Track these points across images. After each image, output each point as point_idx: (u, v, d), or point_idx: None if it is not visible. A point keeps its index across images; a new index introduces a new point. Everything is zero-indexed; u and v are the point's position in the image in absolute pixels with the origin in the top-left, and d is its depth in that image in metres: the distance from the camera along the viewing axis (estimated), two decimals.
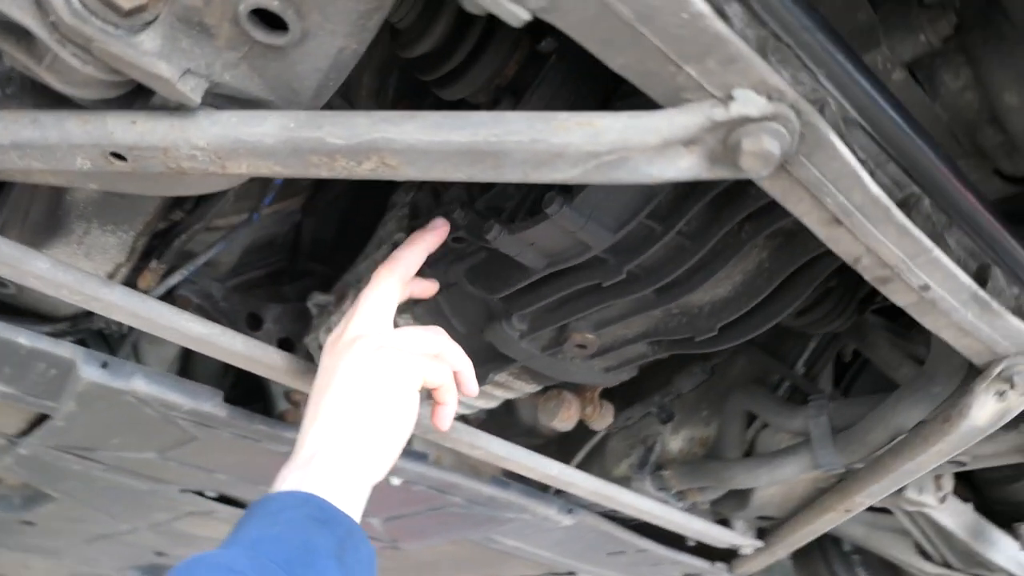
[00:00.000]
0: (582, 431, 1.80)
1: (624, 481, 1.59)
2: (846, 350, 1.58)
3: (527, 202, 0.98)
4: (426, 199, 1.34)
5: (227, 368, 1.67)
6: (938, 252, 0.72)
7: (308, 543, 0.67)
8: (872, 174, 0.66)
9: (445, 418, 0.91)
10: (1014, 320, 0.82)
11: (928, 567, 1.61)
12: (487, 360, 1.22)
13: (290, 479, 0.75)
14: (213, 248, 1.17)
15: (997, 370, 0.90)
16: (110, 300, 0.93)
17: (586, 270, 0.98)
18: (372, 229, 1.77)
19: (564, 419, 1.41)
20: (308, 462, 0.76)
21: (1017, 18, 0.64)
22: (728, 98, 0.59)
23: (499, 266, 1.06)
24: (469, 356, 1.24)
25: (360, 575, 0.70)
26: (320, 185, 1.59)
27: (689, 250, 0.94)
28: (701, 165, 0.64)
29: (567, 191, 0.88)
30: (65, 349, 1.10)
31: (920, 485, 1.30)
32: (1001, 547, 1.47)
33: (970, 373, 1.04)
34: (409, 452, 1.42)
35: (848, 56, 0.59)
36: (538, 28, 0.90)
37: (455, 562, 2.19)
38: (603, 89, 0.89)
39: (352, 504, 0.76)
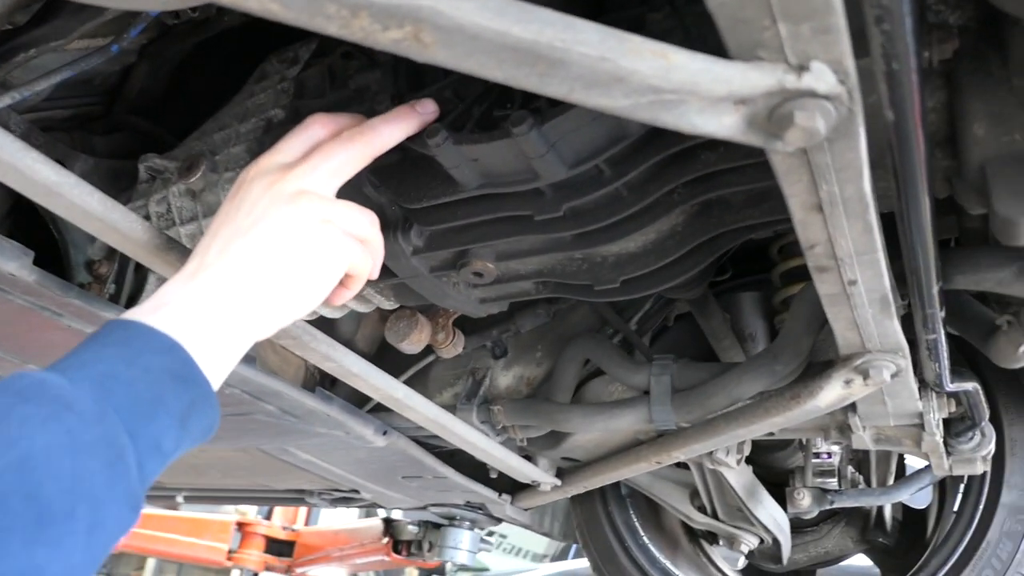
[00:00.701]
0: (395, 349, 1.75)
1: (447, 410, 1.57)
2: (672, 315, 1.68)
3: (473, 113, 0.90)
4: (316, 79, 1.19)
5: (8, 219, 1.39)
6: (882, 254, 0.77)
7: (158, 399, 0.62)
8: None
9: (339, 299, 0.84)
10: (898, 326, 0.91)
11: (699, 516, 1.81)
12: None
13: (164, 312, 0.68)
14: (58, 73, 0.93)
15: (857, 362, 1.00)
16: None
17: (518, 199, 0.93)
18: (215, 93, 1.55)
19: (414, 342, 1.36)
20: (191, 300, 0.70)
21: (1015, 60, 0.70)
22: (802, 68, 0.57)
23: (418, 174, 0.97)
24: None
25: (196, 441, 0.67)
26: (167, 29, 1.35)
27: (625, 201, 0.93)
28: (738, 126, 0.62)
29: (536, 112, 0.82)
30: None
31: (727, 448, 1.44)
32: (766, 505, 1.69)
33: (821, 362, 1.16)
34: None
35: (916, 57, 0.60)
36: None
37: (229, 467, 2.05)
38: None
39: (222, 364, 0.71)
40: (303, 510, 4.57)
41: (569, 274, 1.07)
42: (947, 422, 1.31)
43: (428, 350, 1.68)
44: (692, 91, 0.57)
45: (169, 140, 1.47)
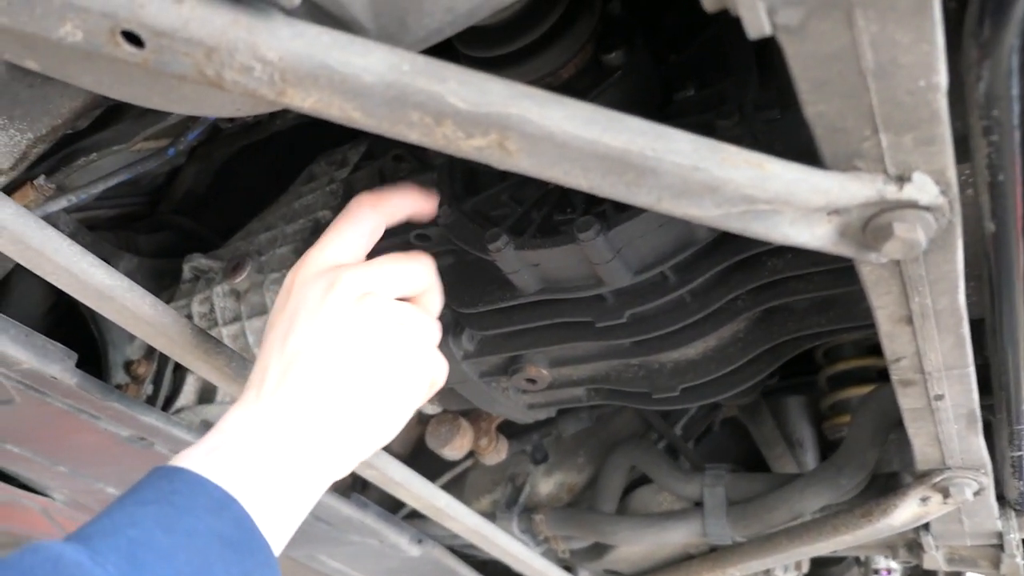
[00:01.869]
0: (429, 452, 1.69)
1: (485, 518, 1.50)
2: (717, 420, 1.62)
3: (533, 218, 0.89)
4: (366, 181, 1.18)
5: (49, 315, 1.38)
6: (972, 369, 0.73)
7: (204, 570, 0.51)
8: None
9: None
10: (982, 442, 0.86)
11: None
12: None
13: (217, 456, 0.57)
14: (115, 176, 0.93)
15: (936, 479, 0.94)
16: None
17: (579, 305, 0.90)
18: (257, 194, 1.56)
19: (456, 448, 1.31)
20: (249, 441, 0.58)
21: None
22: (902, 179, 0.55)
23: (473, 278, 0.95)
24: None
25: None
26: (217, 132, 1.37)
27: (688, 308, 0.90)
28: (830, 237, 0.59)
29: (602, 217, 0.80)
30: None
31: (786, 565, 1.35)
32: None
33: (884, 474, 1.09)
34: None
35: (1022, 168, 0.58)
36: (605, 38, 0.82)
37: None
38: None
39: (288, 520, 0.59)
40: None
41: (625, 381, 1.02)
42: None
43: (466, 455, 1.63)
44: (787, 201, 0.55)
45: (212, 239, 1.48)
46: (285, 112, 1.19)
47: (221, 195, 1.56)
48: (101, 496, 1.49)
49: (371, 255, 0.72)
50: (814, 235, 0.59)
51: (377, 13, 0.54)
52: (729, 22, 0.87)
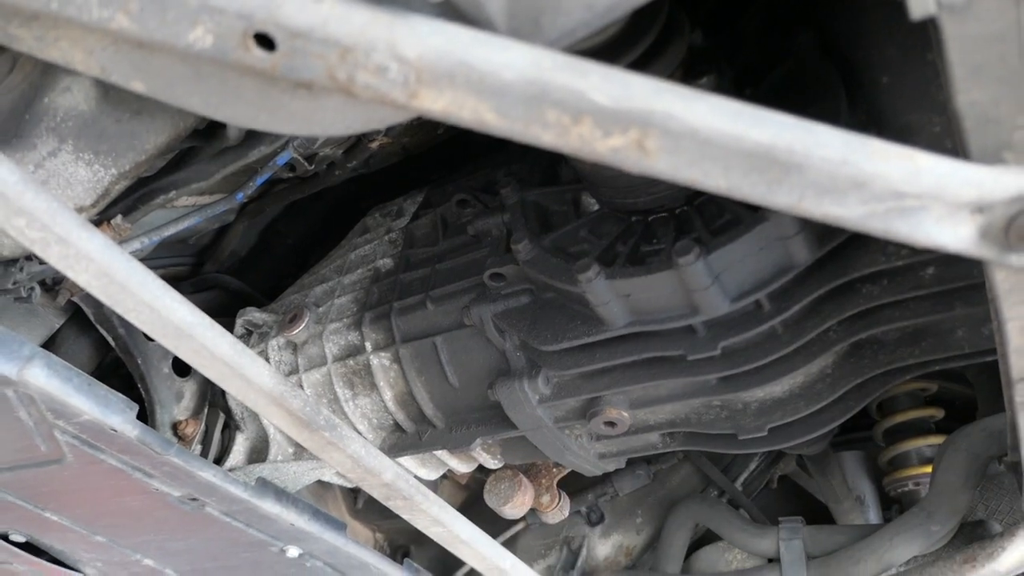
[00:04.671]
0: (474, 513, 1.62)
1: None
2: (776, 475, 1.56)
3: (619, 250, 0.86)
4: (426, 228, 1.17)
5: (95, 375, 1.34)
6: None
7: None
8: None
9: None
10: None
11: None
12: (478, 421, 1.05)
13: None
14: (186, 221, 0.92)
15: None
16: (83, 249, 0.67)
17: (668, 338, 0.87)
18: (297, 254, 1.55)
19: (517, 505, 1.25)
20: None
21: None
22: None
23: (553, 315, 0.92)
24: (454, 414, 1.07)
25: None
26: (270, 187, 1.36)
27: (781, 339, 0.87)
28: (972, 237, 0.57)
29: (699, 242, 0.77)
30: None
31: None
32: None
33: (971, 523, 1.04)
34: (329, 519, 1.17)
35: None
36: (692, 66, 0.82)
37: None
38: None
39: None
40: None
41: (706, 423, 0.98)
42: None
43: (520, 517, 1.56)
44: (937, 196, 0.53)
45: (257, 298, 1.45)
46: (345, 162, 1.19)
47: (264, 255, 1.55)
48: (136, 570, 1.41)
49: None
50: (957, 235, 0.56)
51: (512, 13, 0.53)
52: (806, 50, 0.87)
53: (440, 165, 1.42)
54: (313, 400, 1.14)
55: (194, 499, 1.10)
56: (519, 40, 0.53)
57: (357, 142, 1.13)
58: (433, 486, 1.63)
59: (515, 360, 0.98)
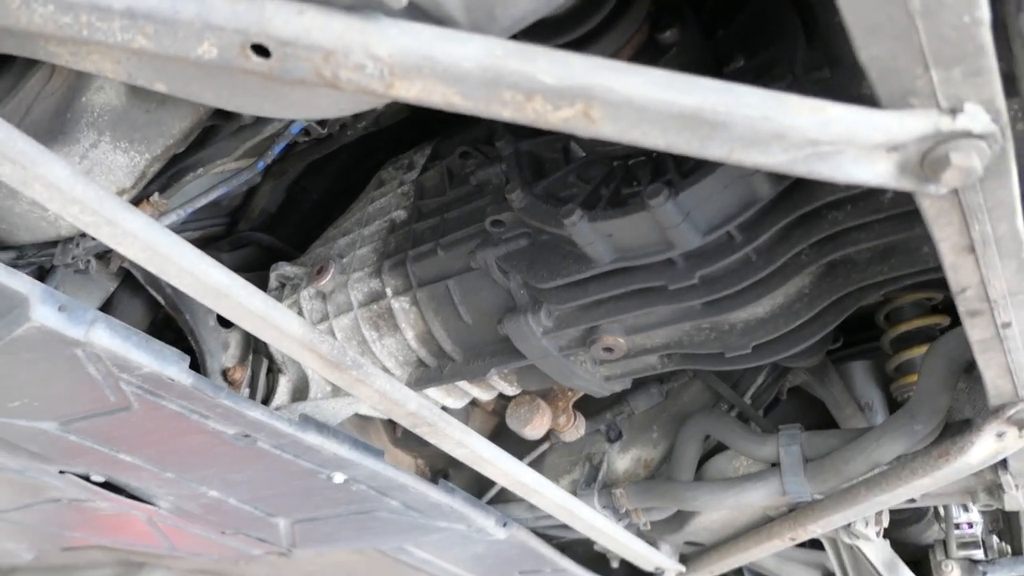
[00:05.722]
0: (505, 442, 1.75)
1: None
2: (784, 388, 1.65)
3: (602, 193, 0.95)
4: (435, 180, 1.26)
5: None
6: None
7: None
8: None
9: None
10: None
11: None
12: (492, 354, 1.16)
13: None
14: (215, 191, 1.02)
15: (1010, 412, 0.97)
16: (128, 228, 0.78)
17: (651, 271, 0.96)
18: (323, 208, 1.65)
19: (536, 426, 1.37)
20: None
21: None
22: (955, 110, 0.60)
23: (547, 256, 1.01)
24: (470, 348, 1.18)
25: None
26: (291, 148, 1.46)
27: (755, 265, 0.95)
28: (891, 172, 0.64)
29: (669, 184, 0.86)
30: (21, 282, 0.92)
31: (866, 518, 1.38)
32: None
33: (958, 422, 1.13)
34: (366, 447, 1.31)
35: None
36: (658, 19, 0.88)
37: (342, 572, 2.05)
38: None
39: None
40: None
41: (697, 344, 1.07)
42: None
43: (543, 438, 1.69)
44: (849, 141, 0.60)
45: (289, 252, 1.57)
46: (355, 123, 1.28)
47: (293, 212, 1.66)
48: (204, 500, 1.58)
49: None
50: (876, 172, 0.64)
51: (469, 8, 0.61)
52: None
53: (450, 116, 1.50)
54: (343, 343, 1.26)
55: (247, 436, 1.24)
56: (476, 32, 0.61)
57: None
58: (465, 415, 1.76)
59: (520, 297, 1.08)
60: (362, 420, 1.80)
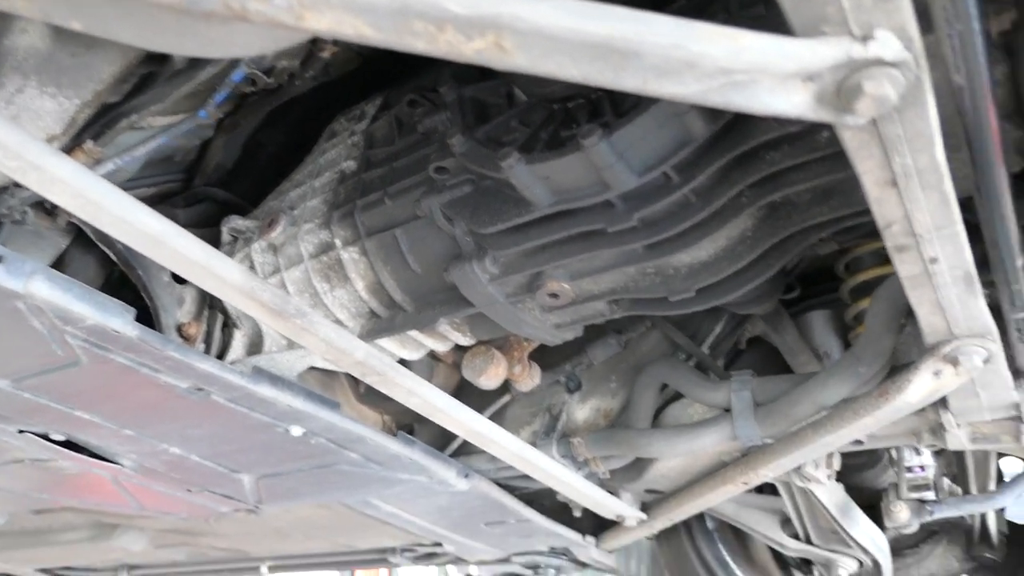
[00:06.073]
0: (479, 394, 1.77)
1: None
2: (744, 337, 1.67)
3: (541, 137, 0.95)
4: (385, 129, 1.25)
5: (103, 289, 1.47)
6: (961, 226, 0.78)
7: None
8: None
9: None
10: (983, 305, 0.90)
11: (791, 543, 1.75)
12: (441, 303, 1.16)
13: None
14: (154, 140, 1.01)
15: (945, 350, 0.99)
16: (57, 174, 0.77)
17: (590, 214, 0.96)
18: (281, 162, 1.63)
19: (491, 376, 1.38)
20: None
21: None
22: (866, 37, 0.60)
23: (490, 201, 1.01)
24: (420, 297, 1.18)
25: None
26: (242, 101, 1.44)
27: (694, 207, 0.95)
28: (807, 103, 0.64)
29: (604, 125, 0.85)
30: None
31: (816, 461, 1.41)
32: (862, 525, 1.63)
33: (904, 365, 1.14)
34: (321, 399, 1.31)
35: (980, 27, 0.62)
36: None
37: (311, 527, 2.07)
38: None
39: None
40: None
41: (642, 288, 1.08)
42: None
43: (503, 391, 1.70)
44: (762, 70, 0.60)
45: (246, 207, 1.56)
46: (303, 73, 1.26)
47: (249, 166, 1.64)
48: (166, 458, 1.58)
49: None
50: (792, 102, 0.64)
51: None
52: None
53: (403, 65, 1.48)
54: (295, 296, 1.26)
55: (200, 389, 1.24)
56: None
57: (310, 53, 1.20)
58: (428, 370, 1.77)
59: (465, 245, 1.08)
60: (326, 376, 1.81)
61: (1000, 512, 1.82)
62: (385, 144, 1.23)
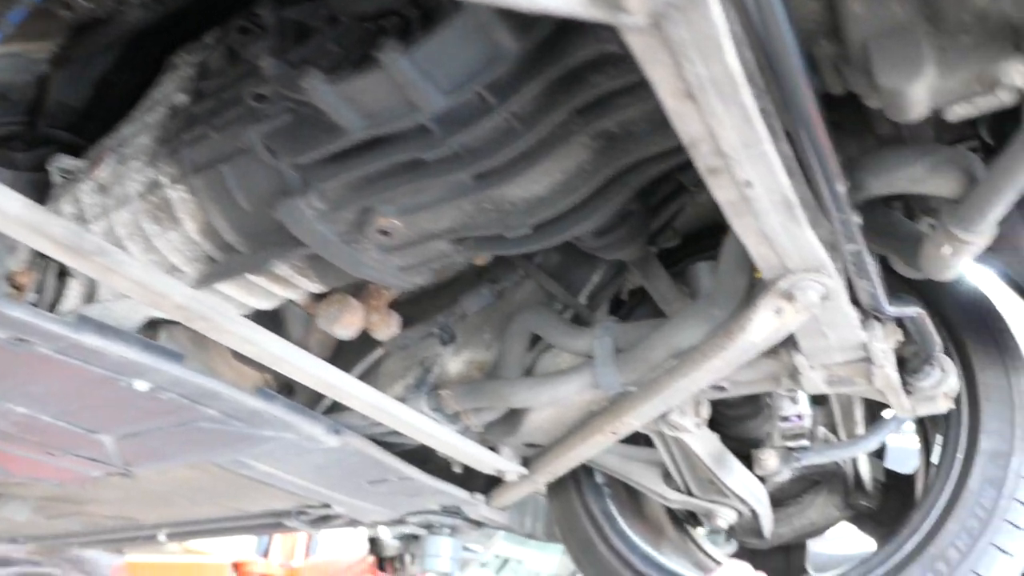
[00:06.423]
0: (357, 351, 1.71)
1: (405, 403, 1.52)
2: (624, 287, 1.64)
3: (351, 57, 0.88)
4: (219, 60, 1.17)
5: None
6: (770, 146, 0.74)
7: None
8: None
9: None
10: (811, 235, 0.87)
11: (672, 495, 1.74)
12: (275, 243, 1.10)
13: None
14: None
15: (782, 285, 0.96)
16: None
17: (407, 140, 0.90)
18: (131, 100, 1.53)
19: (345, 324, 1.32)
20: None
21: None
22: None
23: (308, 128, 0.94)
24: (254, 238, 1.11)
25: None
26: (77, 34, 1.33)
27: (517, 133, 0.90)
28: (581, 1, 0.59)
29: (404, 40, 0.79)
30: None
31: (682, 409, 1.39)
32: (738, 474, 1.62)
33: (748, 296, 1.12)
34: (161, 350, 1.23)
35: None
36: None
37: (194, 491, 2.00)
38: None
39: None
40: (302, 544, 4.48)
41: (481, 226, 1.03)
42: (902, 361, 1.26)
43: (375, 343, 1.64)
44: None
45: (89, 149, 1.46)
46: (132, 4, 1.17)
47: (101, 108, 1.53)
48: (15, 418, 1.49)
49: None
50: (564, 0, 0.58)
51: None
52: None
53: None
54: (126, 240, 1.17)
55: (20, 340, 1.15)
56: None
57: None
58: (304, 327, 1.70)
59: (291, 179, 1.01)
60: (200, 335, 1.73)
61: (879, 460, 1.84)
62: (219, 76, 1.15)
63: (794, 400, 1.57)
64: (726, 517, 1.70)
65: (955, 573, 1.45)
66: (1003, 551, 1.44)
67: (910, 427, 1.81)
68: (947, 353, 1.54)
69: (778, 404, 1.58)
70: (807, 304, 0.97)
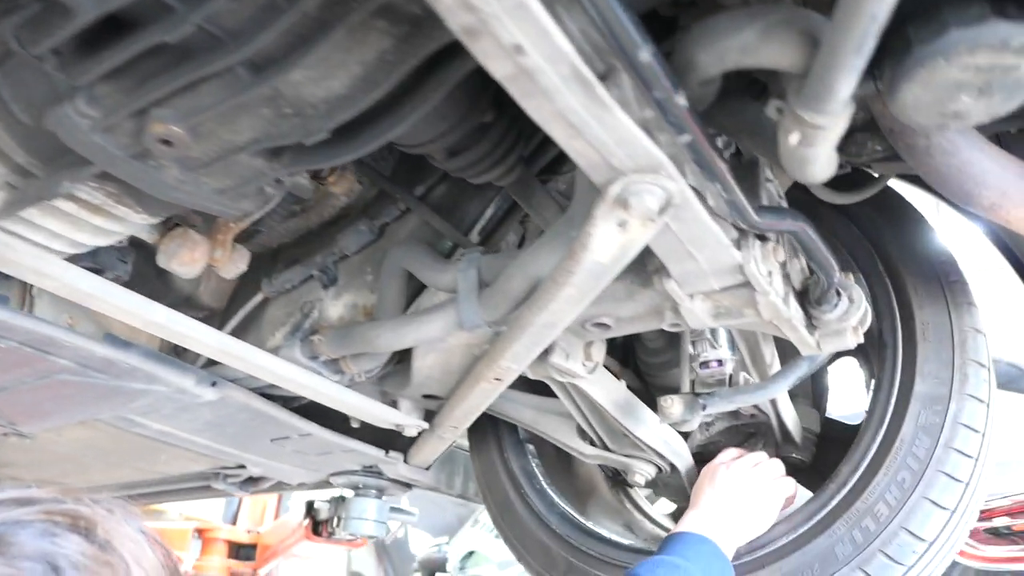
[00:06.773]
0: (244, 300, 1.59)
1: (279, 351, 1.40)
2: (527, 224, 1.50)
3: None
4: None
5: None
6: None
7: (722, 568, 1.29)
8: None
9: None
10: (629, 123, 0.72)
11: (588, 449, 1.60)
12: (68, 164, 0.97)
13: (695, 527, 1.35)
14: None
15: (614, 191, 0.81)
16: None
17: (148, 22, 0.76)
18: None
19: (186, 262, 1.20)
20: (706, 522, 1.36)
21: None
22: None
23: (46, 14, 0.81)
24: (47, 159, 0.99)
25: None
26: None
27: (280, 8, 0.76)
28: None
29: None
30: None
31: (568, 352, 1.25)
32: (650, 425, 1.47)
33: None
34: None
35: None
36: None
37: (98, 452, 1.90)
38: None
39: (728, 551, 1.34)
40: (271, 510, 4.43)
41: (285, 134, 0.90)
42: (804, 292, 1.11)
43: (256, 290, 1.52)
44: None
45: None
46: None
47: None
48: None
49: None
50: None
51: None
52: None
53: None
54: None
55: None
56: None
57: None
58: (194, 283, 1.58)
59: (58, 82, 0.88)
60: None
61: (816, 412, 1.68)
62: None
63: (714, 344, 1.42)
64: (643, 472, 1.56)
65: (885, 530, 1.30)
66: (939, 506, 1.30)
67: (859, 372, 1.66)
68: (878, 285, 1.39)
69: (699, 349, 1.43)
70: (645, 213, 0.82)
